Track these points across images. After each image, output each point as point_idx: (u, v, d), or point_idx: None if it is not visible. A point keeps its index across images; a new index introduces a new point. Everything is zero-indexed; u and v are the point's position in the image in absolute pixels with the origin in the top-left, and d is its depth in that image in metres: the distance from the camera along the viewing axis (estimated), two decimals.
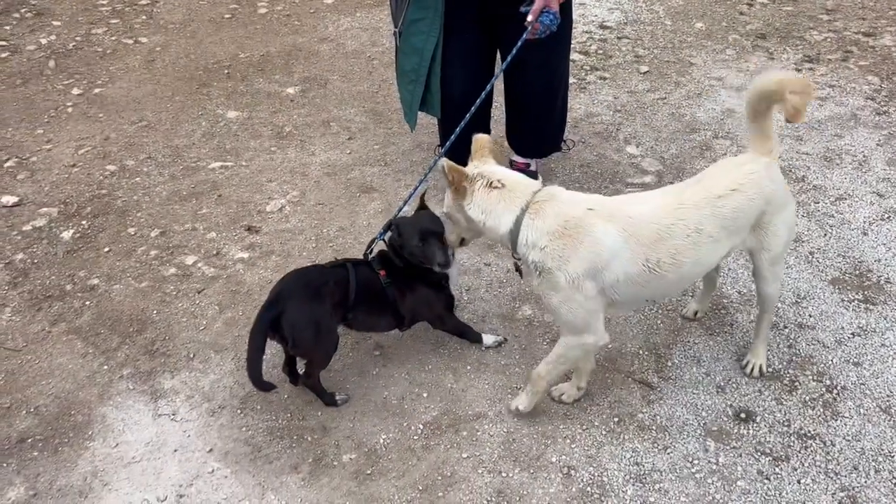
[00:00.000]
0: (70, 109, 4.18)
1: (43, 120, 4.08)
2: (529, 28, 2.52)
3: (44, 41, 4.97)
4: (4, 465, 2.17)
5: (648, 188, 3.31)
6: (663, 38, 4.78)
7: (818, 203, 3.21)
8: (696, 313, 2.59)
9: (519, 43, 2.53)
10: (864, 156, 3.52)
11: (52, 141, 3.88)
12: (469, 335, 2.46)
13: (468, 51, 2.84)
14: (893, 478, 2.05)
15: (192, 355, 2.53)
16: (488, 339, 2.49)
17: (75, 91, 4.37)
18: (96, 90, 4.38)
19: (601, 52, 4.67)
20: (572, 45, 4.67)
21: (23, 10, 5.42)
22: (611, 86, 4.25)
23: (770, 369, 2.39)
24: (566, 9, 2.79)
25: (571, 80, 4.28)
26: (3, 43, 4.94)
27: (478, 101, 2.57)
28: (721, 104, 4.00)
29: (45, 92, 4.37)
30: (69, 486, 2.10)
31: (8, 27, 5.16)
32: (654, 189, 2.28)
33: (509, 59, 2.57)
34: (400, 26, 2.87)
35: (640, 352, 2.49)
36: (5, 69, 4.63)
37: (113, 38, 5.01)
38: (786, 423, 2.21)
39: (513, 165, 3.28)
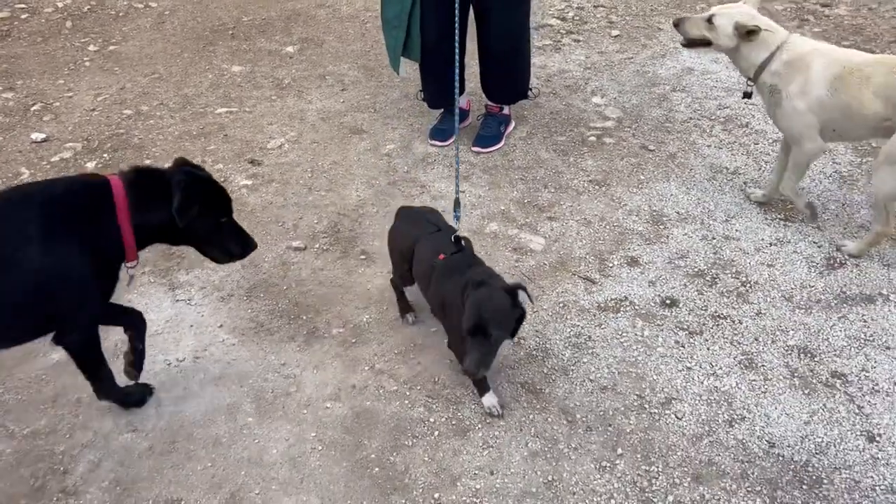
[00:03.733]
0: (88, 63, 4.58)
1: (63, 72, 4.48)
2: None
3: (60, 4, 5.36)
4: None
5: (608, 132, 3.75)
6: (636, 7, 5.18)
7: (758, 144, 3.62)
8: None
9: None
10: None
11: (73, 90, 4.28)
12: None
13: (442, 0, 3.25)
14: (786, 346, 2.47)
15: (203, 259, 2.94)
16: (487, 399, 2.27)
17: (92, 48, 4.77)
18: (111, 47, 4.78)
19: (577, 18, 5.07)
20: (551, 13, 5.09)
21: None
22: (583, 47, 4.65)
23: (696, 269, 2.81)
24: None
25: (548, 42, 4.71)
26: (23, 6, 5.33)
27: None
28: (682, 63, 4.40)
29: (63, 49, 4.77)
30: (104, 350, 2.51)
31: None
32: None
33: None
34: None
35: (587, 256, 2.91)
36: (26, 28, 5.02)
37: (125, 3, 5.40)
38: (703, 308, 2.64)
39: (487, 109, 3.69)
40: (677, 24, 3.00)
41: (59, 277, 1.94)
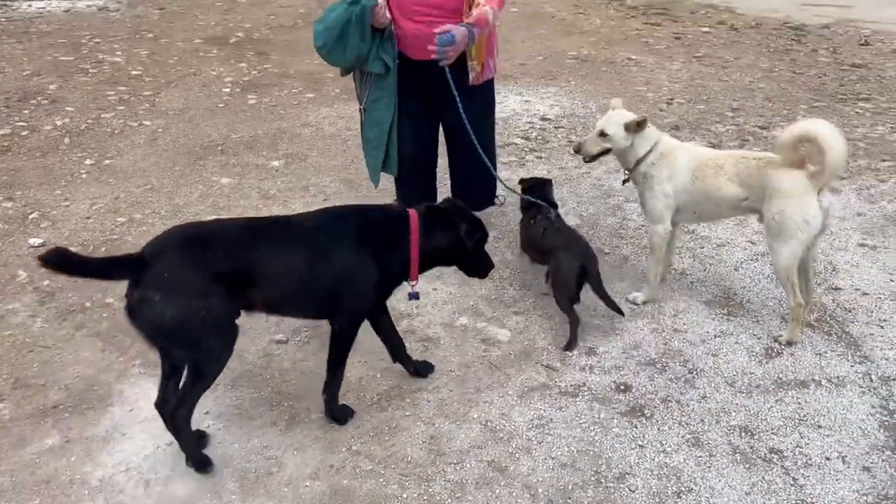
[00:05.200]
0: (84, 176, 4.90)
1: (61, 184, 4.78)
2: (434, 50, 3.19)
3: (59, 123, 5.74)
4: (42, 422, 2.75)
5: None
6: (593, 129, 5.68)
7: (703, 248, 3.98)
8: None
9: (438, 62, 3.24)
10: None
11: (70, 199, 4.57)
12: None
13: (416, 122, 3.64)
14: (729, 426, 2.71)
15: None
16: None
17: (88, 162, 5.10)
18: (106, 161, 5.12)
19: (540, 138, 5.56)
20: (516, 133, 5.57)
21: (39, 98, 6.23)
22: (545, 163, 5.09)
23: (648, 358, 3.08)
24: (488, 90, 3.62)
25: (513, 158, 5.15)
26: (23, 124, 5.71)
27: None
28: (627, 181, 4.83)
29: (61, 162, 5.10)
30: (95, 435, 2.68)
31: (27, 111, 5.95)
32: None
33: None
34: (364, 103, 3.67)
35: (549, 347, 3.17)
36: (26, 144, 5.37)
37: (120, 122, 5.80)
38: (654, 392, 2.88)
39: None
40: (578, 150, 3.48)
41: (353, 277, 2.52)
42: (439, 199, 4.16)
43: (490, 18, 3.32)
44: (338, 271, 2.50)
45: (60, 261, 2.25)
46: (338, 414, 2.72)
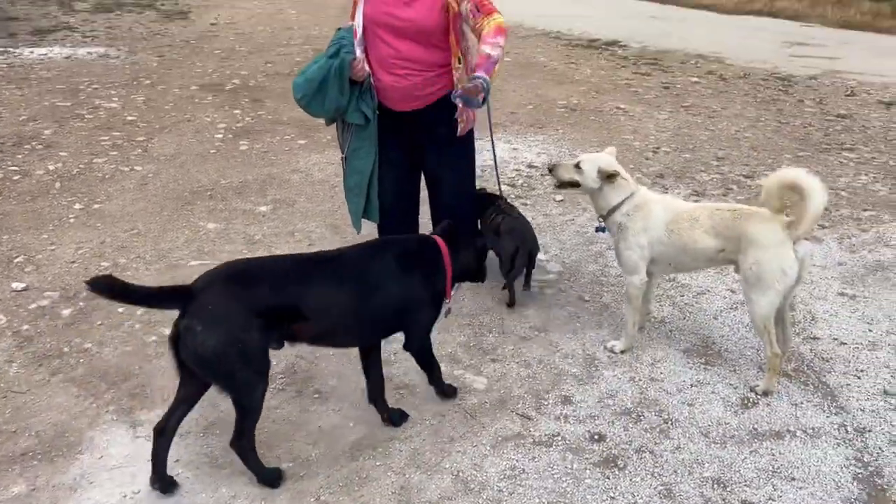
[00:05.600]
0: (72, 220, 4.94)
1: (48, 228, 4.82)
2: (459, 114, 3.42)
3: (51, 167, 5.81)
4: (9, 470, 2.72)
5: (549, 284, 4.11)
6: None
7: (683, 296, 3.99)
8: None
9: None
10: None
11: (56, 243, 4.60)
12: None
13: (397, 171, 3.68)
14: (701, 477, 2.68)
15: (166, 397, 3.12)
16: None
17: (77, 206, 5.14)
18: (95, 206, 5.16)
19: (526, 185, 5.62)
20: (503, 180, 5.63)
21: (34, 143, 6.31)
22: (530, 210, 5.13)
23: (623, 407, 3.06)
24: (469, 139, 3.67)
25: None
26: (16, 168, 5.77)
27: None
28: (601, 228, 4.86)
29: (50, 207, 5.14)
30: (62, 484, 2.65)
31: (20, 156, 6.02)
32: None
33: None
34: (346, 152, 3.71)
35: (525, 395, 3.15)
36: (17, 188, 5.42)
37: (112, 167, 5.87)
38: (628, 443, 2.86)
39: None
40: (551, 170, 3.53)
41: (415, 301, 2.79)
42: None
43: (490, 53, 3.23)
44: (398, 299, 2.75)
45: (108, 287, 2.42)
46: (448, 391, 3.10)
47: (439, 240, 2.92)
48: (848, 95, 8.35)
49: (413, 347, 2.91)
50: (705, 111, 7.65)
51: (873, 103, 8.03)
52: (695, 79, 9.07)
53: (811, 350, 3.48)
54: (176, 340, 2.43)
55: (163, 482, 2.60)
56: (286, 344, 2.64)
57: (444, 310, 2.95)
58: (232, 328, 2.41)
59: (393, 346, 3.45)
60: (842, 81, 8.96)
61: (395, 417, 2.96)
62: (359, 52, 3.35)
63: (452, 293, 2.97)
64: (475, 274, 3.13)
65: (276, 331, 2.54)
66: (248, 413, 2.54)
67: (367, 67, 3.38)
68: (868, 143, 6.64)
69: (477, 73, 3.21)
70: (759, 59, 10.18)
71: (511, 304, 3.87)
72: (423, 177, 3.83)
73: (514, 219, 3.98)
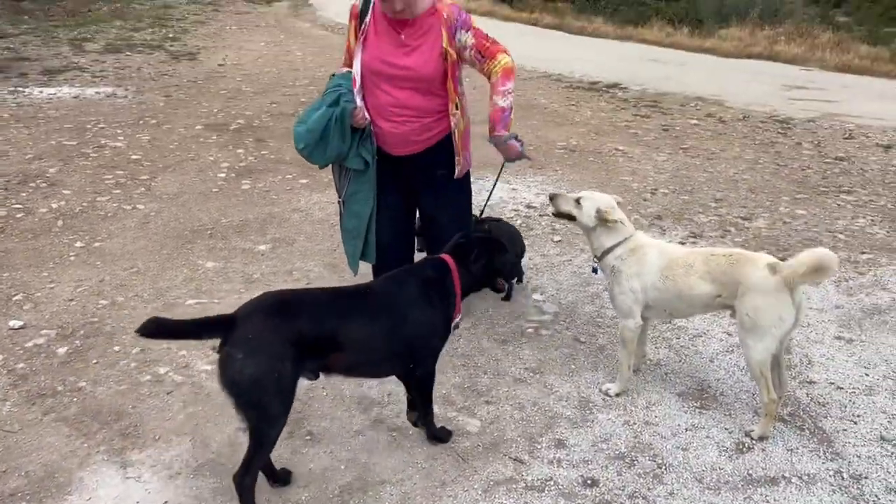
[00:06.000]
0: (73, 258, 4.97)
1: (48, 265, 4.85)
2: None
3: (54, 205, 5.87)
4: None
5: (545, 325, 4.11)
6: None
7: (679, 339, 3.98)
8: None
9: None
10: None
11: (55, 281, 4.62)
12: None
13: (394, 213, 3.71)
14: None
15: (157, 437, 3.13)
16: None
17: (78, 244, 5.18)
18: (96, 244, 5.20)
19: (524, 225, 5.64)
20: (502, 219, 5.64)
21: (38, 181, 6.38)
22: (528, 250, 5.13)
23: (617, 451, 3.03)
24: (466, 179, 3.71)
25: None
26: (19, 206, 5.83)
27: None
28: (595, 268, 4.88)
29: (51, 244, 5.18)
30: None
31: (24, 194, 6.09)
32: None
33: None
34: (343, 196, 3.75)
35: (519, 438, 3.13)
36: (19, 226, 5.47)
37: (114, 205, 5.92)
38: (621, 488, 2.83)
39: None
40: (552, 198, 3.54)
41: (428, 329, 2.87)
42: None
43: (503, 105, 3.43)
44: (414, 328, 2.83)
45: (157, 329, 2.54)
46: (439, 434, 3.09)
47: (448, 258, 3.00)
48: (846, 138, 8.41)
49: (421, 371, 2.93)
50: (704, 153, 7.71)
51: (871, 146, 8.09)
52: (694, 121, 9.16)
53: (807, 394, 3.46)
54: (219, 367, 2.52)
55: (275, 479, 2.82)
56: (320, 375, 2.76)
57: (452, 325, 2.99)
58: (271, 357, 2.49)
59: (387, 387, 3.46)
60: (840, 124, 9.04)
61: (442, 435, 3.11)
62: (359, 101, 3.41)
63: (461, 308, 3.04)
64: (509, 273, 3.25)
65: (314, 361, 2.65)
66: (262, 447, 2.58)
67: (367, 115, 3.43)
68: (866, 186, 6.67)
69: (498, 132, 3.41)
70: (758, 101, 10.29)
71: (507, 297, 4.27)
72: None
73: (503, 223, 4.36)
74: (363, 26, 3.40)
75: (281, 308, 2.62)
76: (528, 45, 13.63)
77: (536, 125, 8.81)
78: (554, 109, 9.73)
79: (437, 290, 2.92)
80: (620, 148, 7.82)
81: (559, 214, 3.51)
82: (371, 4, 3.40)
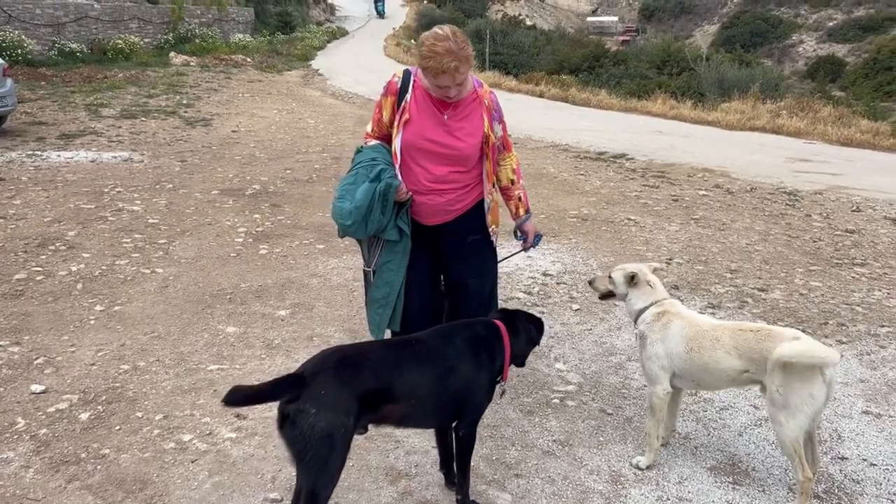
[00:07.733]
0: (93, 322, 4.97)
1: (69, 329, 4.85)
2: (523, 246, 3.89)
3: (74, 268, 5.90)
4: None
5: (570, 395, 4.08)
6: None
7: (706, 411, 3.95)
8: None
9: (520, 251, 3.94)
10: None
11: (76, 345, 4.61)
12: None
13: (423, 278, 3.74)
14: None
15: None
16: None
17: (98, 308, 5.19)
18: (116, 308, 5.21)
19: (542, 293, 5.67)
20: (518, 287, 5.68)
21: (57, 244, 6.43)
22: (547, 319, 5.15)
23: None
24: (492, 249, 3.77)
25: None
26: (39, 269, 5.86)
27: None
28: (635, 336, 4.88)
29: (71, 308, 5.19)
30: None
31: (44, 257, 6.13)
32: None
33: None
34: (374, 266, 3.78)
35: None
36: (39, 289, 5.49)
37: (133, 269, 5.96)
38: None
39: None
40: (591, 282, 3.73)
41: (475, 385, 2.96)
42: None
43: (522, 195, 3.86)
44: (463, 382, 2.91)
45: (242, 398, 2.67)
46: None
47: (500, 324, 3.12)
48: (854, 211, 8.52)
49: (464, 430, 2.98)
50: (715, 224, 7.80)
51: (879, 219, 8.18)
52: (703, 192, 9.29)
53: (840, 471, 3.42)
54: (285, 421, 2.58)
55: None
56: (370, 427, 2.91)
57: (499, 391, 3.09)
58: (341, 413, 2.57)
59: (413, 458, 3.42)
60: (847, 197, 9.17)
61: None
62: (400, 176, 3.50)
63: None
64: (523, 358, 3.30)
65: (370, 415, 2.72)
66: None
67: (406, 189, 3.51)
68: (878, 259, 6.73)
69: (525, 216, 3.83)
70: (763, 173, 10.46)
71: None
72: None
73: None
74: (403, 103, 3.49)
75: (347, 363, 2.71)
76: (534, 116, 13.95)
77: (547, 194, 8.93)
78: (564, 179, 9.88)
79: (487, 349, 3.02)
80: (632, 217, 7.91)
81: (603, 297, 3.66)
82: (411, 83, 3.50)
